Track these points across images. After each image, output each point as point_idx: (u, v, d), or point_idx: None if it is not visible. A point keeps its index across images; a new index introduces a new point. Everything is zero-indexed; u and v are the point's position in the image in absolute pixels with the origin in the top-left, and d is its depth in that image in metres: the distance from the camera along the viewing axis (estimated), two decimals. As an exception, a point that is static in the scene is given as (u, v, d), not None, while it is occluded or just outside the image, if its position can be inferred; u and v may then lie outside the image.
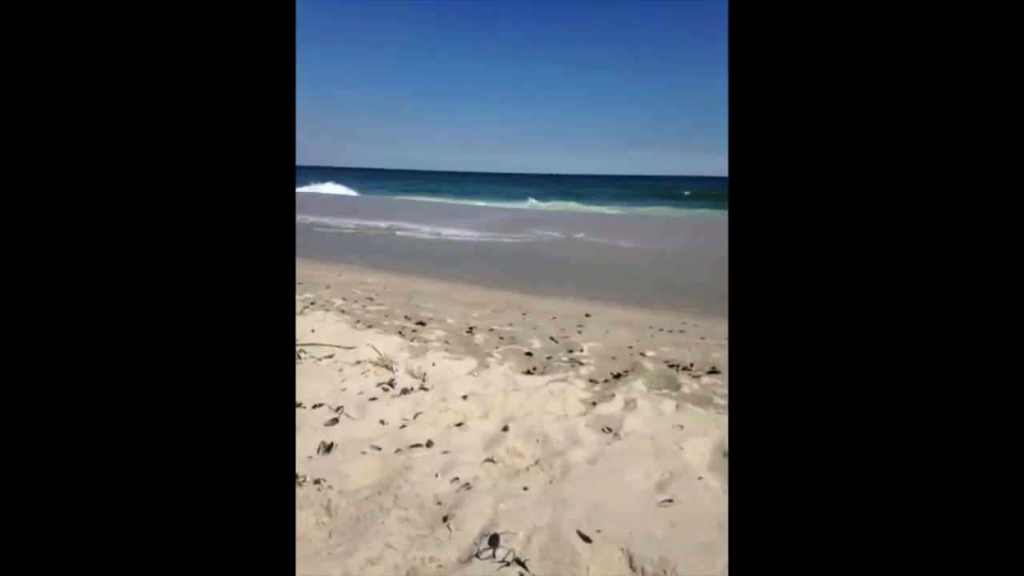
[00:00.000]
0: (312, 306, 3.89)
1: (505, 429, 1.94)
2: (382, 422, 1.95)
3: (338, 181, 32.73)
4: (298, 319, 3.40)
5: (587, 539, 1.34)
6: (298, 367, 2.46)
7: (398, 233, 10.42)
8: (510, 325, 3.61)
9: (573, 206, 22.73)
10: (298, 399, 2.08)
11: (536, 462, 1.73)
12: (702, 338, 3.46)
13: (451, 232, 10.49)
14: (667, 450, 1.84)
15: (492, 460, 1.70)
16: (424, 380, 2.43)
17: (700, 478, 1.68)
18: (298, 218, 11.49)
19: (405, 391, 2.25)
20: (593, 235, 10.63)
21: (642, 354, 3.02)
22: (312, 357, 2.64)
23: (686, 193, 32.12)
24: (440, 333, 3.35)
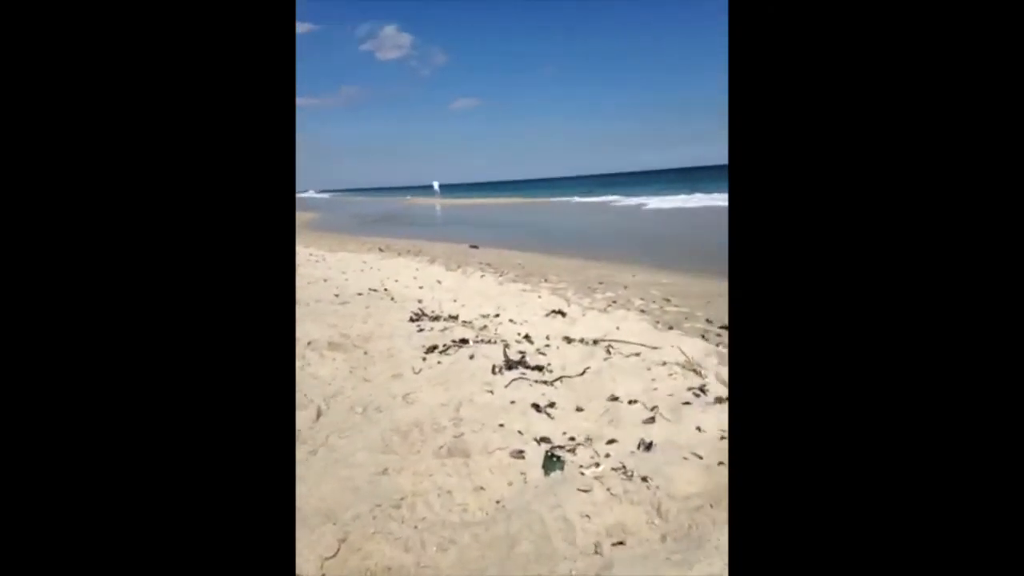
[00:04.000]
0: (614, 304, 4.09)
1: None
2: (699, 429, 1.88)
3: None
4: (603, 316, 3.63)
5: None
6: (608, 361, 2.61)
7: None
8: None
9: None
10: (615, 393, 2.20)
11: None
12: None
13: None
14: None
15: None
16: (739, 391, 2.25)
17: None
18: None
19: (719, 400, 2.13)
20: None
21: None
22: (620, 353, 2.76)
23: None
24: (749, 340, 3.06)
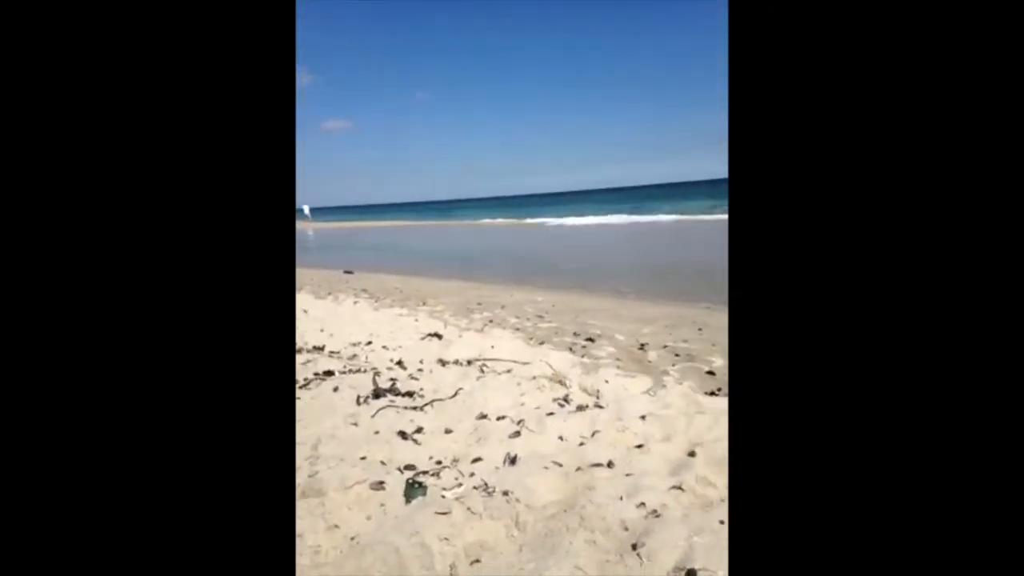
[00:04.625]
0: (491, 324, 4.16)
1: (692, 455, 1.80)
2: (561, 438, 1.97)
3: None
4: (479, 336, 3.67)
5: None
6: (481, 380, 2.64)
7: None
8: (685, 341, 3.39)
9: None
10: (483, 410, 2.22)
11: (731, 494, 1.56)
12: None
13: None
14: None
15: (680, 488, 1.59)
16: (598, 397, 2.41)
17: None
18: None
19: (580, 408, 2.25)
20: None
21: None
22: (493, 372, 2.80)
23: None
24: (611, 350, 3.30)
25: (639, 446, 1.90)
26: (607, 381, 2.63)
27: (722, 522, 1.39)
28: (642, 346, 3.34)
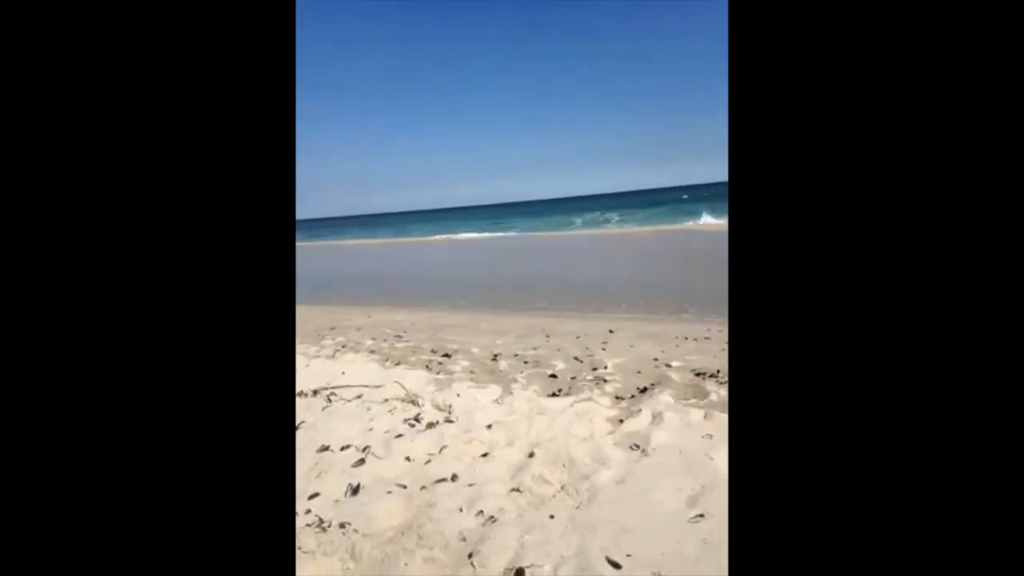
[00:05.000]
0: (343, 349, 3.98)
1: (531, 456, 1.92)
2: (408, 459, 1.96)
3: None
4: (329, 363, 3.49)
5: (616, 565, 1.31)
6: (327, 410, 2.52)
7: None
8: (534, 349, 3.60)
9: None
10: (327, 442, 2.12)
11: (562, 488, 1.70)
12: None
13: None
14: (697, 462, 1.79)
15: (518, 489, 1.69)
16: (450, 412, 2.44)
17: (733, 490, 1.62)
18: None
19: (431, 425, 2.27)
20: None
21: (668, 365, 2.95)
22: (342, 399, 2.69)
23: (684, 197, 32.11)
24: (465, 363, 3.37)
25: (484, 455, 1.98)
26: (459, 395, 2.68)
27: (552, 516, 1.51)
28: (495, 356, 3.47)
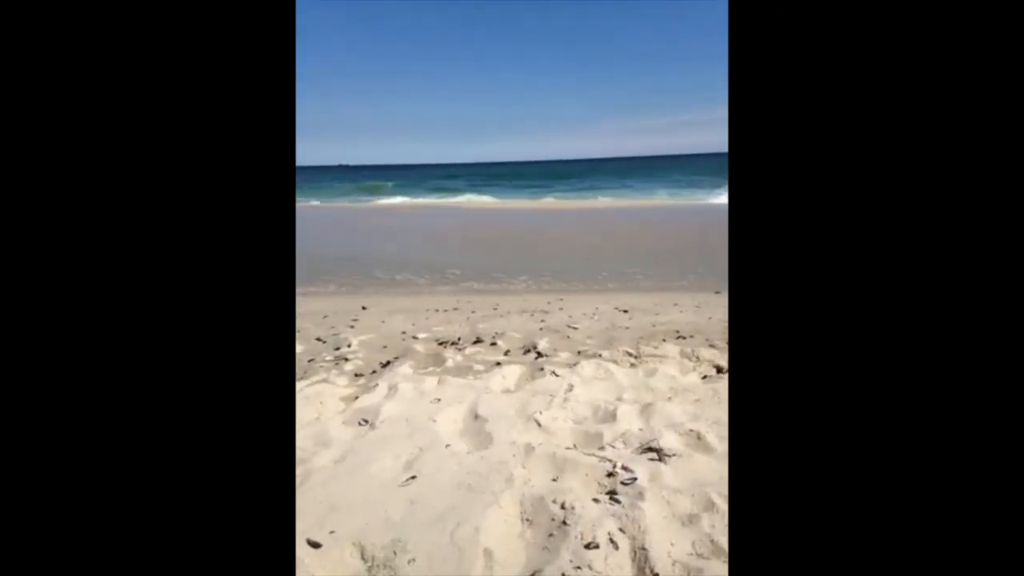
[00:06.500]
0: None
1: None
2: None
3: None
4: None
5: (316, 545, 1.26)
6: None
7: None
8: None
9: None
10: None
11: (273, 478, 1.57)
12: (473, 311, 3.63)
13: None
14: (421, 427, 1.86)
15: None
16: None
17: (447, 445, 1.74)
18: None
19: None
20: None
21: (415, 337, 3.02)
22: None
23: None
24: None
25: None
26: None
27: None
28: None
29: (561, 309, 3.67)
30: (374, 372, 2.51)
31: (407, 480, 1.53)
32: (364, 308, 3.84)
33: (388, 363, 2.62)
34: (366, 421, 1.94)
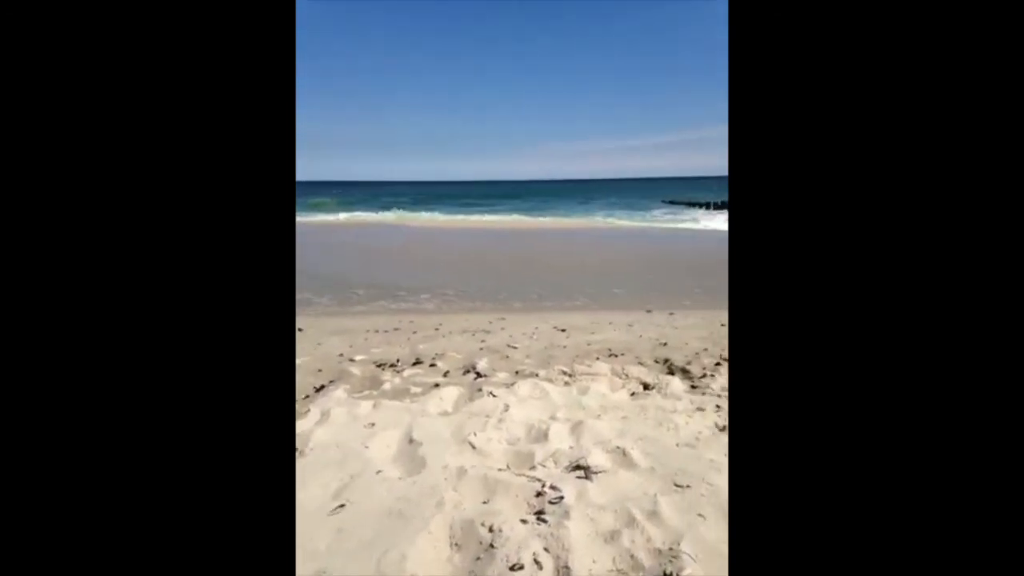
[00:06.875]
0: None
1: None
2: None
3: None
4: None
5: (234, 583, 1.21)
6: None
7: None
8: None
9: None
10: None
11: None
12: (414, 332, 3.60)
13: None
14: (352, 453, 1.83)
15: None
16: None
17: (379, 472, 1.72)
18: None
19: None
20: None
21: (352, 359, 2.96)
22: None
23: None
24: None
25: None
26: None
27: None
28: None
29: (503, 329, 3.72)
30: (307, 397, 2.44)
31: (335, 509, 1.50)
32: (300, 330, 3.72)
33: (322, 387, 2.55)
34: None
